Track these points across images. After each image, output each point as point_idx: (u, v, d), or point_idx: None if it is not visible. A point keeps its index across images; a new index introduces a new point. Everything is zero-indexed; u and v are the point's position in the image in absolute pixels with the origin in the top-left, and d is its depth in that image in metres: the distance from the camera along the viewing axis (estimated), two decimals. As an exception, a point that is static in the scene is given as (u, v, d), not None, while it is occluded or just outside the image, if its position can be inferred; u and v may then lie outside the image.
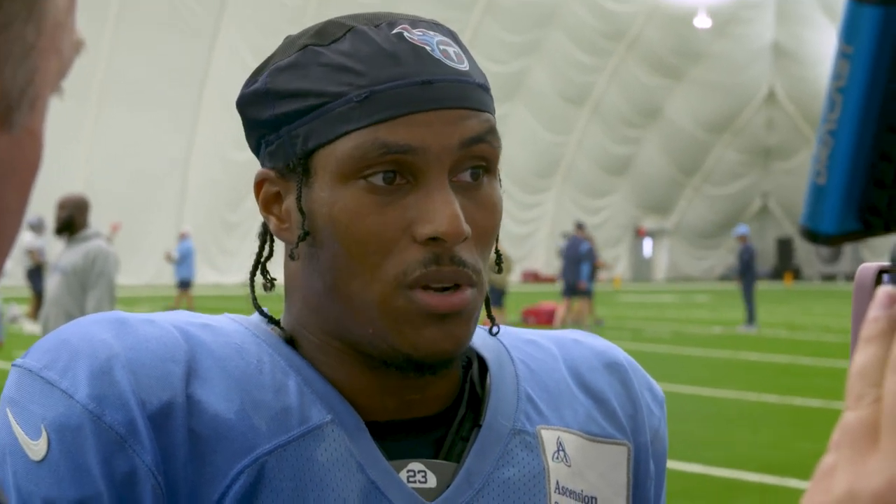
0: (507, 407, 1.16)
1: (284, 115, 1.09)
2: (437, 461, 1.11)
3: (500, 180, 1.13)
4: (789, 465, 8.37)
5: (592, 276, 22.81)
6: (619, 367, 1.25)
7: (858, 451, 0.56)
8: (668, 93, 44.53)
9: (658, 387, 1.29)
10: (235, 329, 1.11)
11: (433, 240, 1.04)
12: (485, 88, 1.11)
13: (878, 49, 0.56)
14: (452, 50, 1.09)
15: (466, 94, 1.08)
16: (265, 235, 1.17)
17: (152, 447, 1.00)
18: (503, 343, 1.22)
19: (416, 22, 1.10)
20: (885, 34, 0.56)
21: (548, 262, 44.28)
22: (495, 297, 17.59)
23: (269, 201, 1.12)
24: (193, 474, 1.02)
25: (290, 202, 1.10)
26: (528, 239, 43.39)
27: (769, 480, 7.98)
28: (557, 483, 1.14)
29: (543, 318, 22.67)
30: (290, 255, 1.12)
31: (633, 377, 1.25)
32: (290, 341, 1.13)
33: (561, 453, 1.16)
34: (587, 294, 22.36)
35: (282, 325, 1.15)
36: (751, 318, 22.06)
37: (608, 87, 42.66)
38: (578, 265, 21.46)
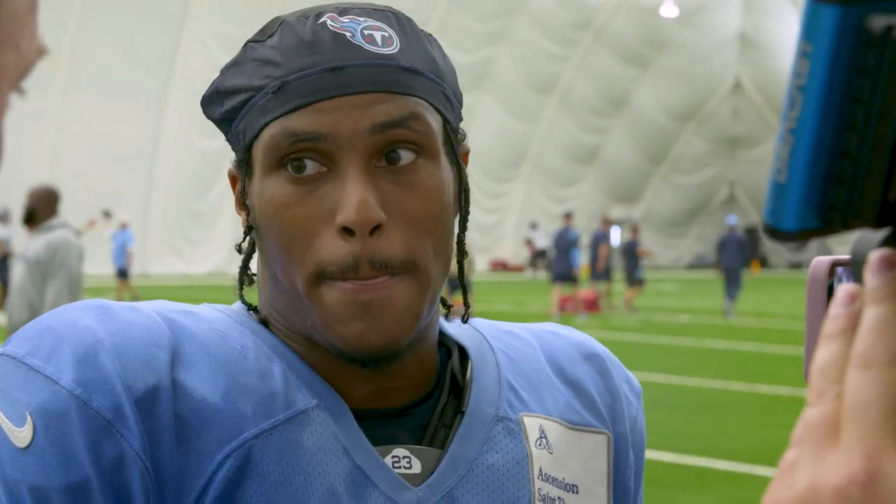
0: (489, 394, 1.16)
1: (229, 112, 1.10)
2: (421, 447, 1.11)
3: (453, 163, 1.11)
4: (758, 453, 8.42)
5: (637, 264, 23.27)
6: (596, 358, 1.26)
7: (820, 446, 0.57)
8: (635, 82, 44.65)
9: (635, 379, 1.31)
10: (218, 317, 1.11)
11: (346, 229, 1.03)
12: (416, 72, 1.08)
13: (837, 48, 0.56)
14: (380, 34, 1.07)
15: (384, 78, 1.05)
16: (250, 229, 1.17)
17: (139, 432, 0.99)
18: (482, 333, 1.23)
19: (347, 9, 1.08)
20: (843, 33, 0.56)
21: (516, 251, 44.35)
22: (451, 288, 17.46)
23: (239, 197, 1.13)
24: (180, 459, 1.01)
25: None
26: (496, 228, 43.43)
27: (738, 468, 8.03)
28: (540, 470, 1.15)
29: (581, 307, 22.50)
30: (237, 248, 1.13)
31: (611, 368, 1.27)
32: (265, 324, 1.13)
33: (543, 440, 1.16)
34: (638, 282, 23.42)
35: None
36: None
37: (575, 76, 42.71)
38: (569, 253, 21.72)
